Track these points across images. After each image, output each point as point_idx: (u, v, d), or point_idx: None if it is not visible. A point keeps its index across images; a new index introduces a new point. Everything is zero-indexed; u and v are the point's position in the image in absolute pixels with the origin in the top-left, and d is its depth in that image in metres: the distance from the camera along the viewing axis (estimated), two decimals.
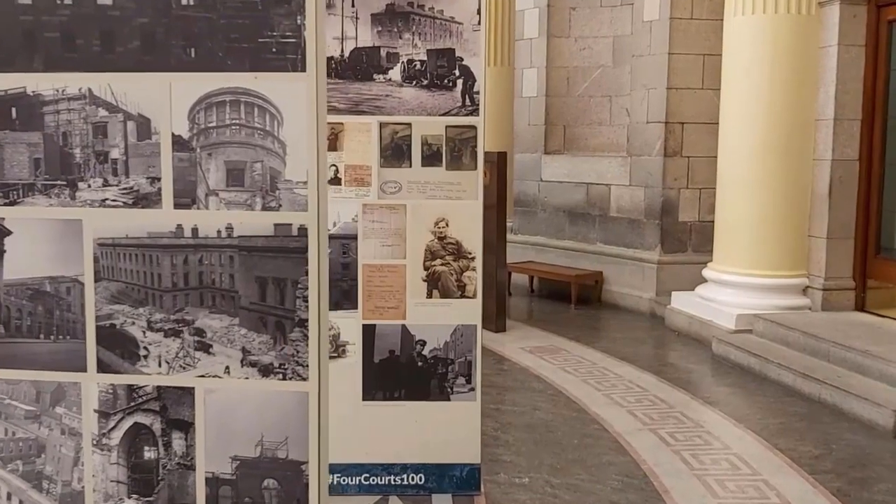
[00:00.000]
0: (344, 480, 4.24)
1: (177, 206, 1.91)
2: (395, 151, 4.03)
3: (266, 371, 1.92)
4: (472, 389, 4.18)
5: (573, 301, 9.06)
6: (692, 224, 8.59)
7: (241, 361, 1.93)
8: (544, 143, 10.03)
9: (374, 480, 4.23)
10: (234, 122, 1.87)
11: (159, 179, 1.90)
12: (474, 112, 4.01)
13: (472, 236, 4.09)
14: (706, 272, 7.66)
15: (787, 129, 7.02)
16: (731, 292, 7.28)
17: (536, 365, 6.68)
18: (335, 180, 4.04)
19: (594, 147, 9.81)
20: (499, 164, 7.64)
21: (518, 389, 6.05)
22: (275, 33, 1.85)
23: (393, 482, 4.24)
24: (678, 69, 8.28)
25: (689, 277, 8.10)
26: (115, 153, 1.91)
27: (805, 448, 4.91)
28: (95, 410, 2.01)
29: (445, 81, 4.01)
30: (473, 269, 4.10)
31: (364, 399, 4.17)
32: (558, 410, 5.56)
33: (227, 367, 1.94)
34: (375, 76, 4.01)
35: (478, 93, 4.01)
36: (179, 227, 1.92)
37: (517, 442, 4.98)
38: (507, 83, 11.15)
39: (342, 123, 4.02)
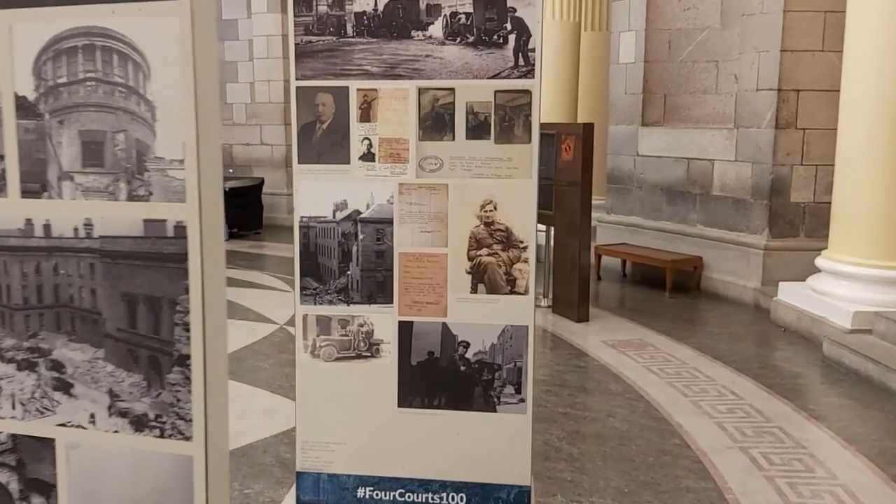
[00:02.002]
0: (377, 495, 3.72)
1: (24, 193, 1.38)
2: (435, 122, 3.44)
3: (139, 423, 1.39)
4: (523, 401, 3.58)
5: (668, 288, 8.29)
6: (806, 205, 7.69)
7: (109, 408, 1.41)
8: (641, 113, 9.22)
9: (409, 497, 3.70)
10: (88, 75, 1.32)
11: (2, 158, 1.37)
12: (529, 74, 3.38)
13: (524, 222, 3.46)
14: (819, 261, 6.79)
15: None
16: (848, 285, 6.40)
17: (618, 362, 6.00)
18: (368, 156, 3.48)
19: (697, 118, 8.95)
20: (584, 137, 6.95)
21: (593, 391, 5.40)
22: None
23: (431, 500, 3.69)
24: (794, 29, 7.36)
25: (800, 266, 7.25)
26: None
27: None
28: None
29: (495, 38, 3.39)
30: (525, 261, 3.48)
31: (400, 406, 3.63)
32: (636, 419, 4.89)
33: (93, 416, 1.42)
34: (414, 33, 3.42)
35: (533, 50, 3.37)
36: (29, 222, 1.39)
37: (583, 456, 4.35)
38: (603, 49, 10.41)
39: (376, 90, 3.45)
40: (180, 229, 1.31)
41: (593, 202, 10.29)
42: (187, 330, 1.32)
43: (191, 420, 1.37)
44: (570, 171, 7.14)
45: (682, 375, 5.72)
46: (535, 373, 5.74)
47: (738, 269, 8.04)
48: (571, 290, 7.24)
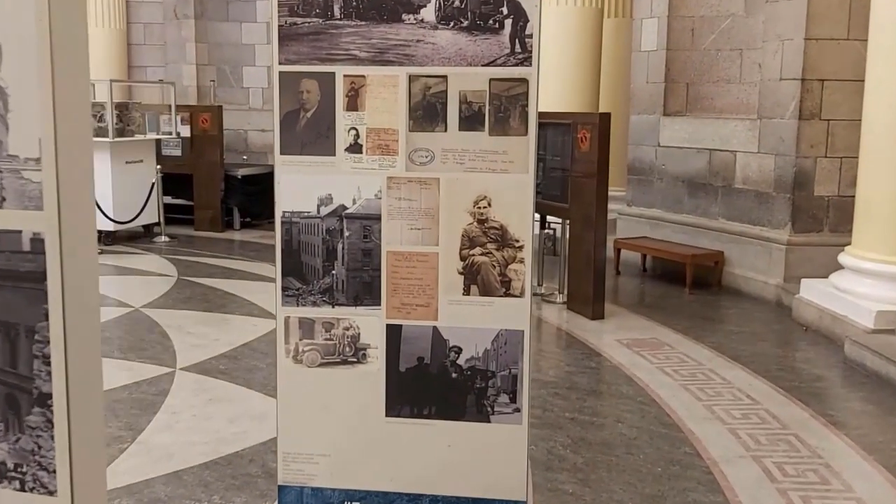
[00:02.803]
0: None
1: None
2: (426, 111, 3.21)
3: None
4: (518, 410, 3.35)
5: (688, 284, 8.01)
6: (830, 199, 7.38)
7: None
8: (663, 103, 8.93)
9: None
10: None
11: None
12: (526, 61, 3.14)
13: (520, 219, 3.24)
14: (842, 257, 6.49)
15: None
16: (872, 283, 6.11)
17: (631, 363, 5.76)
18: (355, 147, 3.26)
19: (721, 108, 8.64)
20: (601, 127, 6.69)
21: (603, 394, 5.16)
22: None
23: None
24: (819, 15, 7.04)
25: (823, 262, 6.96)
26: None
27: None
28: None
29: (490, 22, 3.15)
30: (521, 261, 3.25)
31: (388, 415, 3.42)
32: (645, 425, 4.65)
33: None
34: (405, 16, 3.20)
35: (531, 36, 3.13)
36: None
37: (587, 465, 4.12)
38: (625, 36, 10.11)
39: (363, 76, 3.23)
40: (37, 243, 1.09)
41: (613, 194, 10.04)
42: (48, 363, 1.10)
43: (54, 471, 1.15)
44: (586, 163, 6.88)
45: (696, 377, 5.46)
46: (544, 374, 5.56)
47: (759, 265, 7.75)
48: (586, 286, 6.99)
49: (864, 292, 6.12)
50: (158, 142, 11.14)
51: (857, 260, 6.28)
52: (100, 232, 10.14)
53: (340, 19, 3.23)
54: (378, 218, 3.29)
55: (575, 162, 7.00)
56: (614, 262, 8.85)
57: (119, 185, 10.10)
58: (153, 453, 4.21)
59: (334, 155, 3.26)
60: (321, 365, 3.40)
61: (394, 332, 3.37)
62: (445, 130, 3.20)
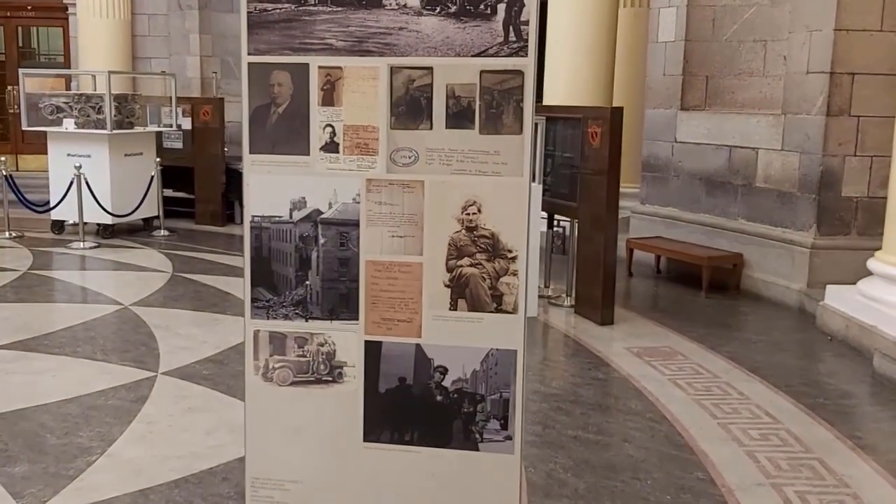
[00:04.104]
0: None
1: None
2: (410, 107, 2.89)
3: None
4: (510, 438, 3.02)
5: (705, 288, 7.65)
6: (858, 201, 6.99)
7: None
8: (681, 96, 8.55)
9: None
10: None
11: None
12: (521, 51, 2.80)
13: (513, 227, 2.91)
14: (872, 263, 6.12)
15: None
16: None
17: (641, 374, 5.41)
18: (331, 146, 2.95)
19: (742, 102, 8.26)
20: (612, 122, 6.34)
21: (610, 409, 4.83)
22: None
23: None
24: (850, 4, 6.65)
25: (850, 267, 6.59)
26: None
27: None
28: None
29: (481, 7, 2.82)
30: (514, 274, 2.92)
31: (366, 440, 3.11)
32: (654, 445, 4.31)
33: None
34: (386, 1, 2.87)
35: (527, 23, 2.79)
36: None
37: (589, 491, 3.79)
38: (642, 27, 9.73)
39: (340, 68, 2.91)
40: None
41: (627, 191, 9.69)
42: None
43: None
44: (596, 160, 6.53)
45: (712, 392, 5.12)
46: (547, 386, 5.22)
47: (781, 269, 7.36)
48: (595, 290, 6.65)
49: (894, 301, 5.74)
50: (160, 134, 10.88)
51: (887, 266, 5.90)
52: (98, 225, 9.91)
53: (315, 5, 2.90)
54: (356, 224, 2.97)
55: (585, 158, 6.65)
56: (627, 262, 8.50)
57: (118, 178, 9.84)
58: (122, 468, 3.92)
59: (308, 154, 2.94)
60: (293, 384, 3.09)
61: (373, 350, 3.05)
62: (431, 128, 2.88)
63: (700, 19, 8.40)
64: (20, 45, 15.15)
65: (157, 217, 10.48)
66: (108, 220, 9.81)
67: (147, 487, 3.73)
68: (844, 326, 6.16)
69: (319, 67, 2.89)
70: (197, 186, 11.02)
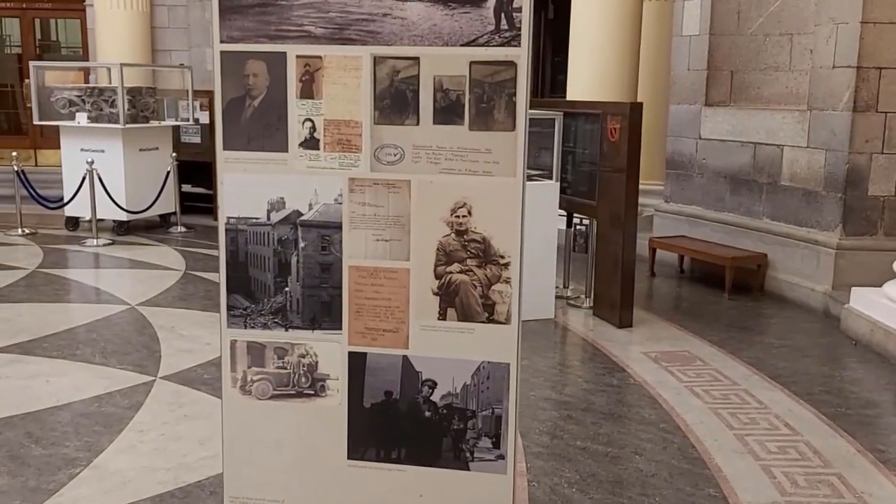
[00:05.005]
0: None
1: None
2: (395, 100, 2.69)
3: None
4: (502, 458, 2.82)
5: (727, 289, 7.38)
6: (885, 200, 6.69)
7: None
8: (705, 92, 8.27)
9: None
10: None
11: None
12: (514, 41, 2.59)
13: (506, 231, 2.70)
14: None
15: None
16: None
17: (658, 380, 5.18)
18: (310, 142, 2.76)
19: (768, 98, 7.96)
20: (632, 118, 6.08)
21: (622, 418, 4.59)
22: None
23: None
24: None
25: (877, 269, 6.30)
26: None
27: None
28: None
29: None
30: (507, 281, 2.71)
31: (350, 457, 2.92)
32: (666, 458, 4.08)
33: None
34: None
35: (520, 10, 2.58)
36: None
37: None
38: (667, 21, 9.46)
39: (320, 57, 2.71)
40: None
41: (651, 188, 9.45)
42: None
43: None
44: (615, 157, 6.28)
45: (729, 400, 4.87)
46: (559, 392, 5.00)
47: (806, 270, 7.08)
48: (614, 291, 6.41)
49: None
50: (177, 129, 10.76)
51: None
52: (114, 222, 9.80)
53: None
54: (338, 226, 2.78)
55: (604, 156, 6.40)
56: (649, 262, 8.24)
57: (132, 174, 9.72)
58: (106, 481, 3.75)
59: (286, 151, 2.76)
60: (273, 397, 2.90)
61: (357, 362, 2.86)
62: (417, 123, 2.68)
63: (725, 12, 8.12)
64: (41, 37, 15.13)
65: (174, 213, 10.36)
66: (123, 216, 9.70)
67: (131, 502, 3.56)
68: (869, 330, 5.88)
69: (297, 57, 2.70)
70: (216, 181, 10.88)
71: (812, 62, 7.19)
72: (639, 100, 8.47)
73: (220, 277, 2.86)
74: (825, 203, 6.93)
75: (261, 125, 2.75)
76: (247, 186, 2.80)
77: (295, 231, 2.80)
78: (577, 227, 8.05)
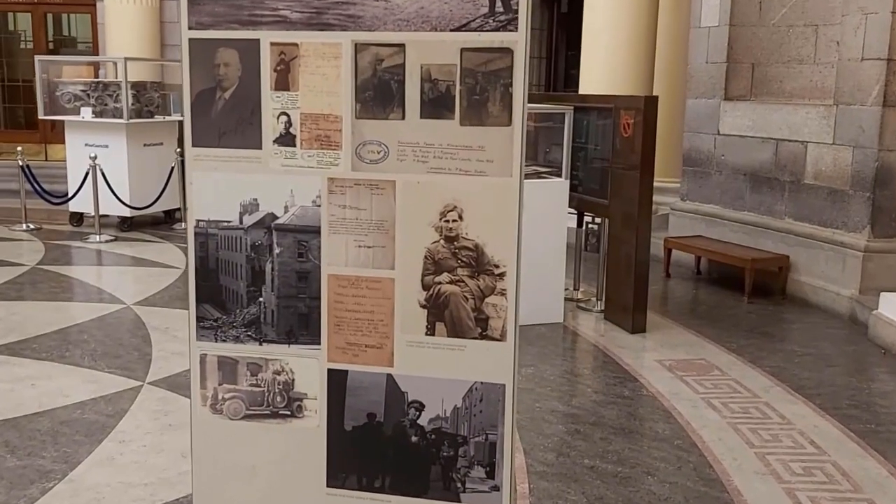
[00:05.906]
0: None
1: None
2: (378, 92, 2.42)
3: None
4: (497, 489, 2.55)
5: (747, 293, 7.06)
6: None
7: None
8: (725, 85, 7.95)
9: None
10: None
11: None
12: (510, 24, 2.32)
13: (501, 238, 2.42)
14: None
15: None
16: None
17: (672, 391, 4.89)
18: (286, 138, 2.49)
19: (791, 92, 7.63)
20: (646, 113, 5.79)
21: (634, 434, 4.31)
22: None
23: None
24: None
25: None
26: None
27: None
28: None
29: None
30: (502, 294, 2.44)
31: (329, 485, 2.66)
32: (681, 479, 3.79)
33: None
34: None
35: None
36: None
37: None
38: (684, 11, 9.13)
39: (296, 45, 2.45)
40: None
41: (667, 186, 9.14)
42: None
43: None
44: (628, 153, 5.98)
45: (750, 414, 4.58)
46: (566, 404, 4.71)
47: (831, 273, 6.75)
48: (626, 294, 6.12)
49: None
50: (182, 124, 10.53)
51: None
52: (118, 217, 9.61)
53: None
54: (317, 231, 2.52)
55: (616, 152, 6.11)
56: (664, 263, 7.94)
57: (136, 169, 9.52)
58: (79, 497, 3.52)
59: (260, 148, 2.49)
60: (246, 417, 2.65)
61: (337, 380, 2.59)
62: (403, 118, 2.41)
63: (746, 3, 7.79)
64: (55, 32, 14.96)
65: (179, 209, 10.15)
66: (127, 212, 9.50)
67: None
68: None
69: (272, 44, 2.44)
70: None
71: (839, 54, 6.86)
72: (654, 93, 8.17)
73: (189, 286, 2.61)
74: (852, 203, 6.60)
75: (233, 119, 2.50)
76: (217, 186, 2.55)
77: (269, 236, 2.54)
78: (589, 226, 7.77)
